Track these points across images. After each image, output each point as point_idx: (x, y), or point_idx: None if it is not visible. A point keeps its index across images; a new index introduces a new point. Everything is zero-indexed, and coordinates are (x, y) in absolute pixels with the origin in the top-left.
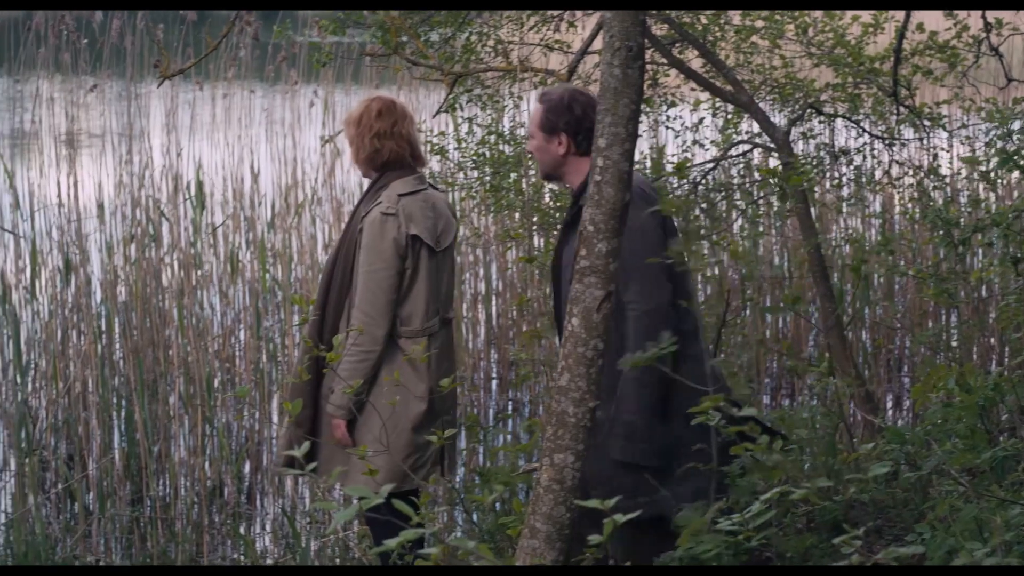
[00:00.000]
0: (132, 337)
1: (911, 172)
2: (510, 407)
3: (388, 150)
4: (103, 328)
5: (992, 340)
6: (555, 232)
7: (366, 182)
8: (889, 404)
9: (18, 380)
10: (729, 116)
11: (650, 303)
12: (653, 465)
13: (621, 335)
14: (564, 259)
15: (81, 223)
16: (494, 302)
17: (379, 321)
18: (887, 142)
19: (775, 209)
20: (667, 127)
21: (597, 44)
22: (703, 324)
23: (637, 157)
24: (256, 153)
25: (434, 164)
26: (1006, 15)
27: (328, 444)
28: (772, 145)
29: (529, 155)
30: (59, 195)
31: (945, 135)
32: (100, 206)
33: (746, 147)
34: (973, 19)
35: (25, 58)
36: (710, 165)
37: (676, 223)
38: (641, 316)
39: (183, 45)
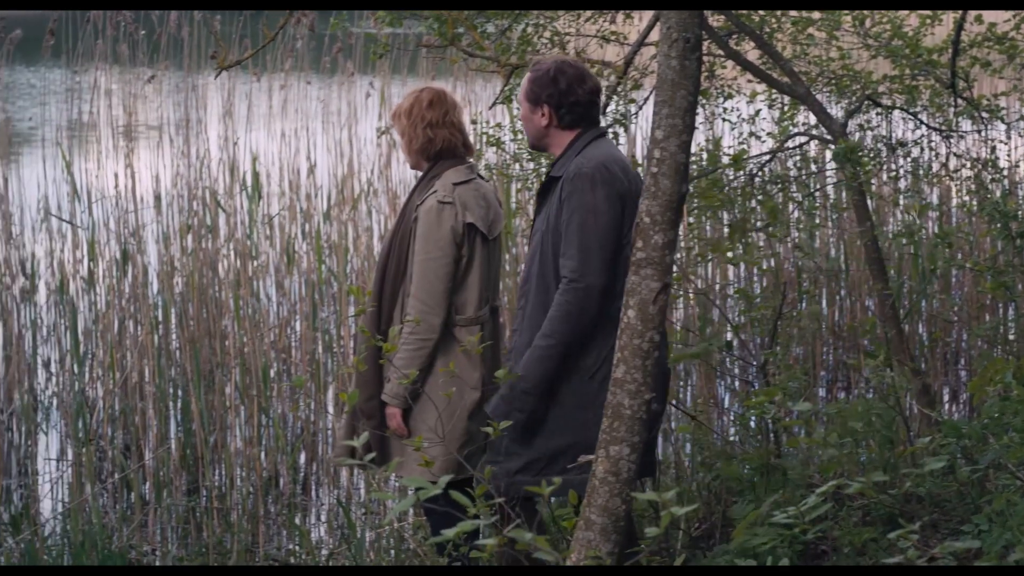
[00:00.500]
0: (188, 327)
1: (969, 164)
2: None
3: (441, 139)
4: (160, 318)
5: None
6: None
7: (419, 173)
8: (946, 398)
9: (75, 370)
10: (786, 108)
11: (581, 282)
12: (512, 434)
13: (547, 304)
14: (535, 227)
15: (138, 214)
16: None
17: (435, 309)
18: (944, 134)
19: (831, 201)
20: (723, 119)
21: (654, 36)
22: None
23: (693, 149)
24: (312, 144)
25: (490, 155)
26: None
27: (387, 434)
28: (829, 137)
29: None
30: (116, 186)
31: (1003, 127)
32: (157, 197)
33: (803, 139)
34: None
35: (83, 50)
36: (767, 157)
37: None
38: (568, 291)
39: (240, 36)
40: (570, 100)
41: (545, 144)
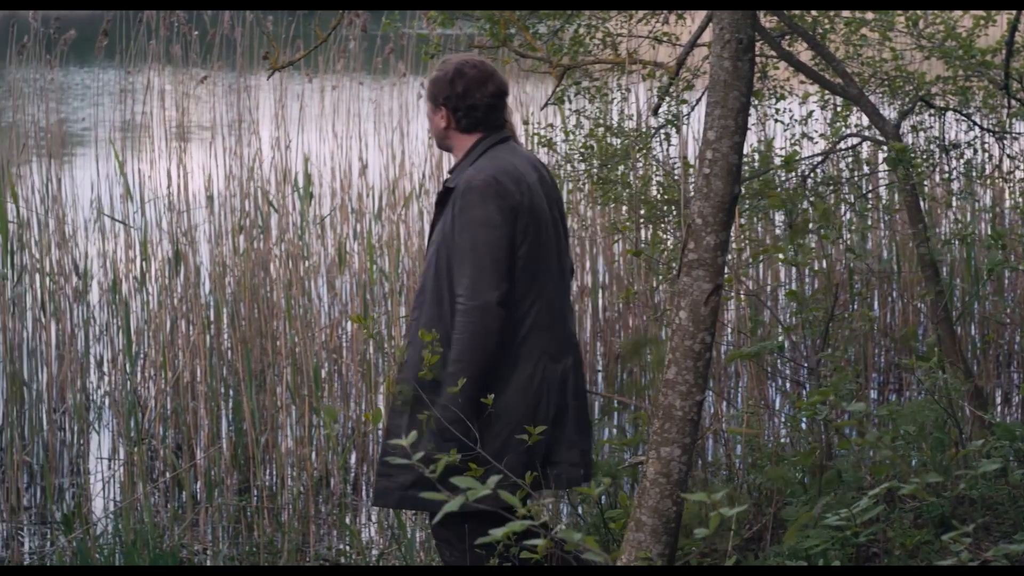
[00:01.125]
0: (240, 327)
1: (1022, 166)
2: (615, 399)
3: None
4: (211, 318)
5: None
6: (663, 224)
7: None
8: (998, 400)
9: (128, 369)
10: (838, 109)
11: (476, 300)
12: (440, 450)
13: (448, 326)
14: (432, 237)
15: (190, 214)
16: (600, 295)
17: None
18: (998, 136)
19: (884, 203)
20: (776, 120)
21: (706, 36)
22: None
23: (745, 150)
24: (364, 145)
25: (542, 156)
26: None
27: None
28: (882, 138)
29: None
30: (169, 186)
31: None
32: (209, 197)
33: (855, 140)
34: None
35: (136, 50)
36: (819, 159)
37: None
38: (466, 311)
39: (292, 37)
40: (467, 104)
41: (448, 146)
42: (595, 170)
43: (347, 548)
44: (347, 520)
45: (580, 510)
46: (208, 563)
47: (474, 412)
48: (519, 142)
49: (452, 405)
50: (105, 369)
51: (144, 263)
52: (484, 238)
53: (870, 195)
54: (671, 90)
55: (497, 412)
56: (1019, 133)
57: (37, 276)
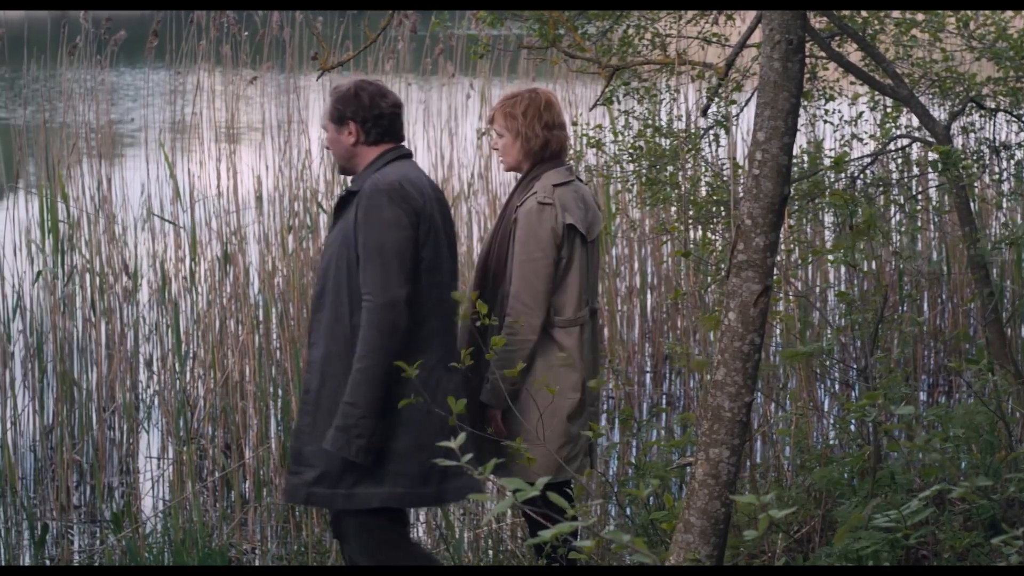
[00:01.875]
0: (289, 327)
1: None
2: (664, 401)
3: (557, 141)
4: (260, 318)
5: None
6: (712, 225)
7: (516, 175)
8: None
9: (177, 369)
10: (888, 110)
11: (384, 297)
12: (364, 461)
13: (354, 325)
14: (330, 239)
15: (240, 214)
16: (649, 296)
17: (536, 311)
18: None
19: (934, 204)
20: (825, 121)
21: (755, 37)
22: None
23: (794, 151)
24: (412, 145)
25: (590, 157)
26: None
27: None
28: (932, 139)
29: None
30: (218, 186)
31: None
32: (258, 197)
33: (905, 142)
34: None
35: (186, 51)
36: (868, 160)
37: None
38: (373, 308)
39: (341, 38)
40: (375, 114)
41: (354, 165)
42: (644, 171)
43: None
44: None
45: (628, 511)
46: (257, 563)
47: (380, 409)
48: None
49: (359, 403)
50: (155, 368)
51: (193, 263)
52: (391, 238)
53: (920, 196)
54: (720, 91)
55: (398, 413)
56: None
57: (87, 276)
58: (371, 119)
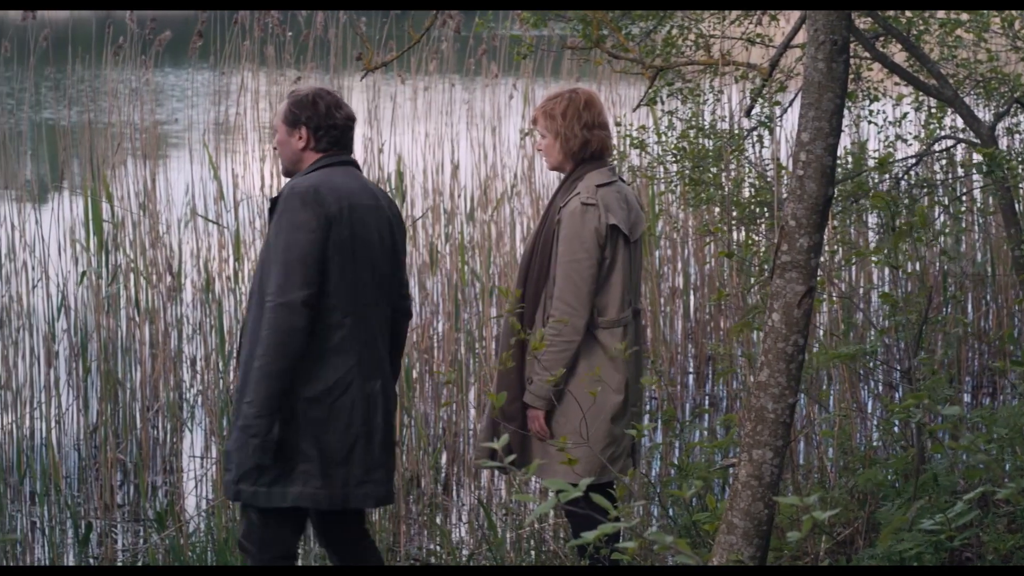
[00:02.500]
0: None
1: None
2: (707, 402)
3: (597, 140)
4: None
5: None
6: (755, 226)
7: (559, 175)
8: None
9: (220, 368)
10: (932, 111)
11: (283, 297)
12: (261, 460)
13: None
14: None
15: None
16: (692, 296)
17: (580, 311)
18: None
19: (978, 205)
20: (869, 122)
21: (799, 38)
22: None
23: (839, 152)
24: (456, 145)
25: (634, 158)
26: None
27: (529, 436)
28: (976, 140)
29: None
30: (262, 186)
31: None
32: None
33: (950, 142)
34: None
35: (230, 51)
36: (913, 161)
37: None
38: (272, 308)
39: (385, 38)
40: (328, 123)
41: (297, 169)
42: (687, 171)
43: (437, 548)
44: (438, 520)
45: (671, 512)
46: (299, 562)
47: (275, 408)
48: (360, 172)
49: (255, 403)
50: (198, 368)
51: (237, 263)
52: (297, 240)
53: (964, 197)
54: (764, 92)
55: (298, 412)
56: None
57: (131, 275)
58: (324, 127)
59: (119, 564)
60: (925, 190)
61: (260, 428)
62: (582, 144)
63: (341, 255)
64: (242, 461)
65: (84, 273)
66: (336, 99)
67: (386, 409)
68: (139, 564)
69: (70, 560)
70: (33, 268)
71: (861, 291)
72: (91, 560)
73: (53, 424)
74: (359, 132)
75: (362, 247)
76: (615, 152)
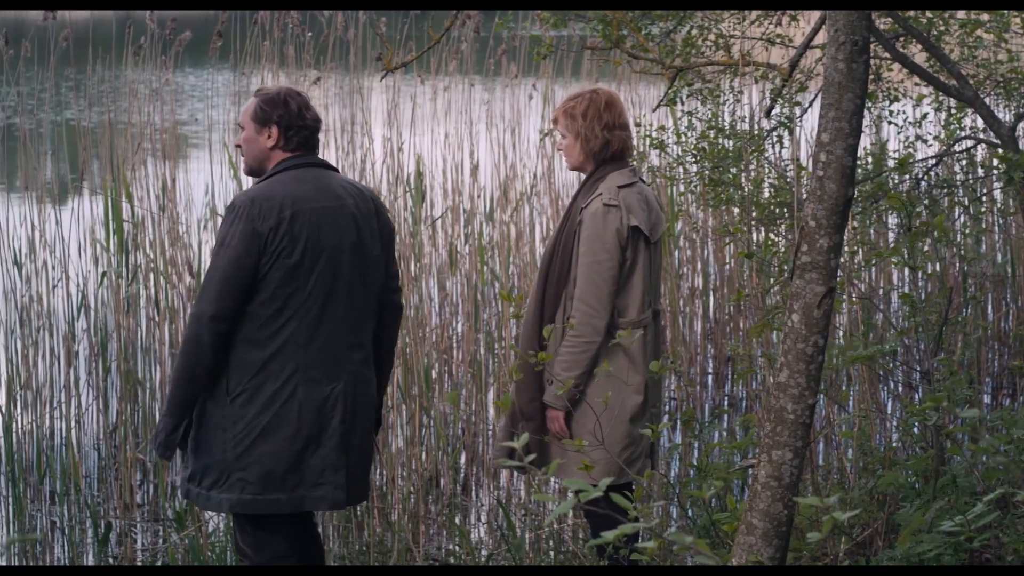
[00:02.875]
0: None
1: None
2: (726, 402)
3: (617, 141)
4: None
5: None
6: (775, 227)
7: (580, 175)
8: None
9: None
10: (952, 111)
11: (195, 309)
12: (161, 457)
13: None
14: None
15: None
16: (711, 297)
17: (600, 312)
18: None
19: (999, 206)
20: (889, 122)
21: (819, 38)
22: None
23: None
24: (476, 146)
25: (653, 158)
26: None
27: (546, 439)
28: (997, 141)
29: (238, 147)
30: None
31: None
32: None
33: (970, 143)
34: None
35: (250, 51)
36: (933, 161)
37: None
38: (188, 319)
39: (405, 38)
40: (299, 123)
41: (263, 168)
42: (707, 172)
43: (456, 548)
44: (456, 520)
45: (690, 513)
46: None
47: (179, 413)
48: (334, 170)
49: (166, 403)
50: None
51: None
52: (219, 256)
53: (984, 198)
54: (784, 92)
55: (236, 419)
56: None
57: (151, 275)
58: (295, 127)
59: (139, 564)
60: (945, 191)
61: (163, 427)
62: (602, 145)
63: (280, 265)
64: (193, 464)
65: (104, 273)
66: (305, 100)
67: (348, 410)
68: (158, 564)
69: (89, 560)
70: (53, 268)
71: (881, 292)
72: (110, 560)
73: (73, 424)
74: (378, 132)
75: (312, 251)
76: (635, 153)
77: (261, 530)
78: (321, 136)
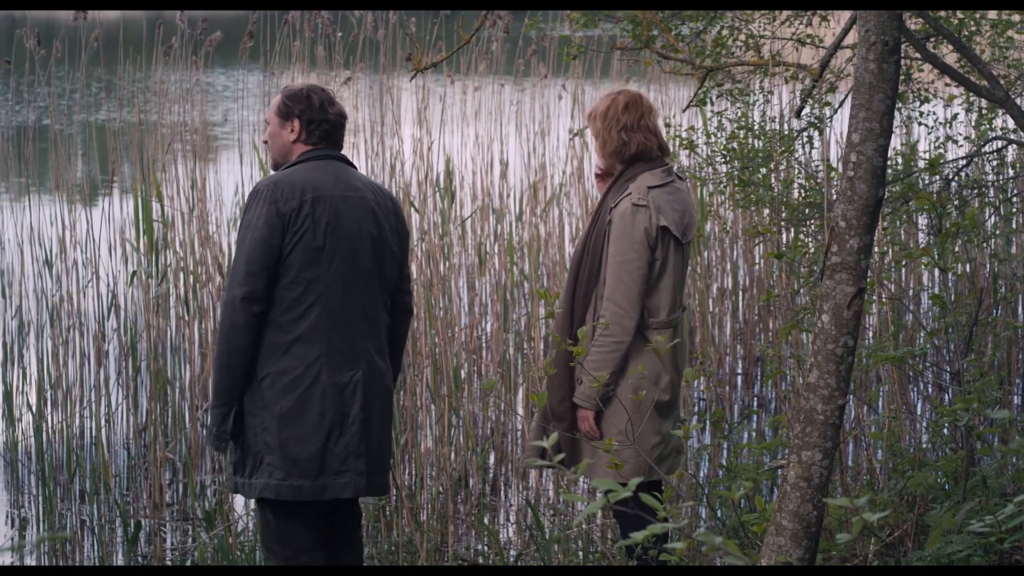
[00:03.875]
0: None
1: None
2: (755, 403)
3: (636, 143)
4: None
5: None
6: (803, 228)
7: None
8: None
9: None
10: (983, 112)
11: (227, 294)
12: (215, 449)
13: None
14: None
15: None
16: (741, 297)
17: (630, 312)
18: None
19: None
20: (920, 123)
21: (850, 39)
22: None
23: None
24: (505, 146)
25: (683, 158)
26: None
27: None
28: None
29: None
30: None
31: None
32: None
33: (1001, 143)
34: None
35: (280, 51)
36: (963, 162)
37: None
38: (221, 304)
39: (435, 38)
40: (320, 117)
41: (287, 161)
42: (737, 172)
43: (485, 548)
44: (485, 520)
45: (719, 513)
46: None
47: (226, 401)
48: (353, 167)
49: (211, 395)
50: None
51: None
52: (244, 238)
53: (1015, 199)
54: (814, 92)
55: (264, 403)
56: None
57: (181, 275)
58: (316, 121)
59: (168, 563)
60: (976, 191)
61: (212, 419)
62: (619, 146)
63: (303, 247)
64: (233, 455)
65: (134, 273)
66: (329, 96)
67: (366, 398)
68: (188, 563)
69: (119, 559)
70: (84, 268)
71: (911, 292)
72: (140, 559)
73: (103, 423)
74: (408, 132)
75: (333, 237)
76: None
77: (284, 520)
78: (351, 136)
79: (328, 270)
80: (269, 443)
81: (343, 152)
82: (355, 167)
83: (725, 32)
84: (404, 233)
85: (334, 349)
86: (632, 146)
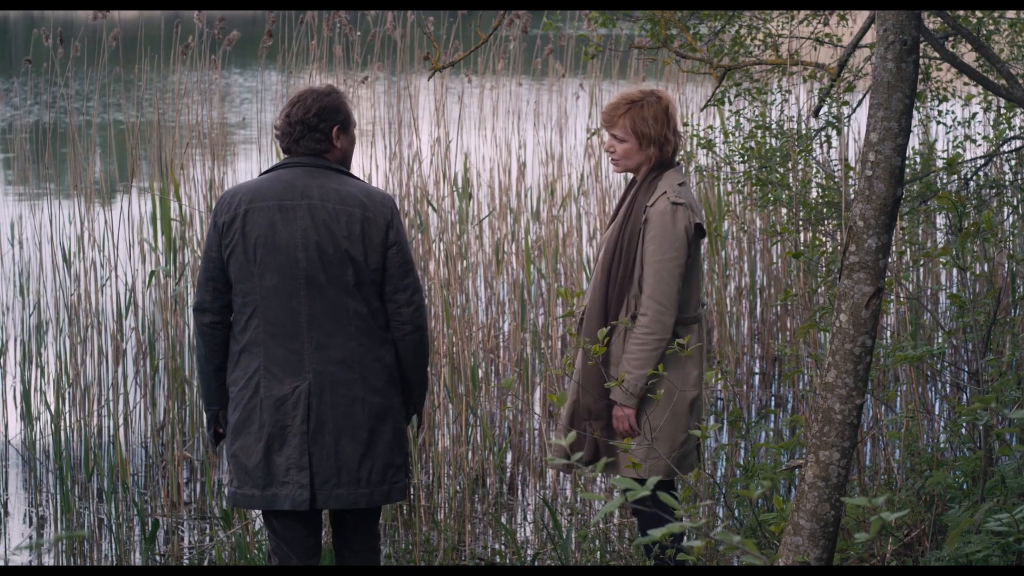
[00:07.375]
0: None
1: None
2: (773, 402)
3: (672, 146)
4: None
5: None
6: (821, 227)
7: (627, 175)
8: None
9: None
10: (1002, 111)
11: (195, 300)
12: (213, 450)
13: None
14: None
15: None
16: (759, 297)
17: (670, 310)
18: None
19: None
20: (938, 122)
21: (868, 38)
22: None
23: (907, 153)
24: (522, 145)
25: (701, 158)
26: None
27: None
28: None
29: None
30: None
31: None
32: None
33: (1019, 143)
34: None
35: (298, 51)
36: (982, 161)
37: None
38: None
39: (452, 38)
40: (282, 127)
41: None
42: (754, 171)
43: (502, 548)
44: (503, 520)
45: (736, 513)
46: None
47: (206, 404)
48: (338, 171)
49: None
50: None
51: None
52: (204, 250)
53: None
54: (832, 92)
55: (229, 411)
56: None
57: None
58: (280, 132)
59: (185, 562)
60: (994, 191)
61: (209, 423)
62: (671, 147)
63: (235, 260)
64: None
65: (152, 272)
66: (291, 100)
67: (312, 410)
68: (205, 562)
69: (137, 558)
70: (102, 267)
71: (929, 292)
72: (157, 558)
73: (120, 422)
74: (425, 131)
75: (264, 248)
76: (682, 152)
77: (271, 528)
78: (367, 136)
79: (261, 283)
80: (228, 451)
81: (343, 153)
82: (339, 171)
83: (743, 31)
84: (379, 240)
85: (273, 361)
86: (676, 149)
